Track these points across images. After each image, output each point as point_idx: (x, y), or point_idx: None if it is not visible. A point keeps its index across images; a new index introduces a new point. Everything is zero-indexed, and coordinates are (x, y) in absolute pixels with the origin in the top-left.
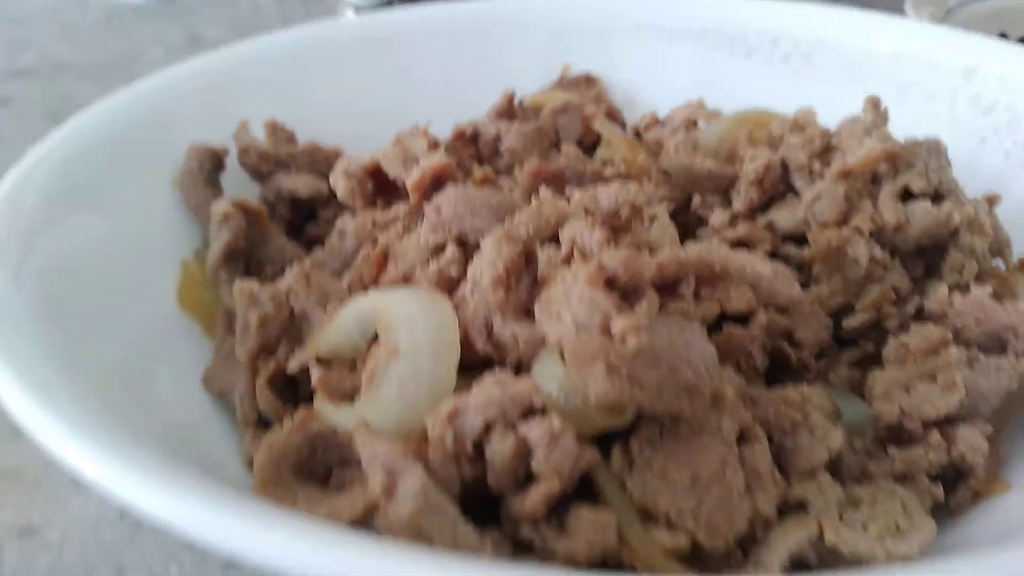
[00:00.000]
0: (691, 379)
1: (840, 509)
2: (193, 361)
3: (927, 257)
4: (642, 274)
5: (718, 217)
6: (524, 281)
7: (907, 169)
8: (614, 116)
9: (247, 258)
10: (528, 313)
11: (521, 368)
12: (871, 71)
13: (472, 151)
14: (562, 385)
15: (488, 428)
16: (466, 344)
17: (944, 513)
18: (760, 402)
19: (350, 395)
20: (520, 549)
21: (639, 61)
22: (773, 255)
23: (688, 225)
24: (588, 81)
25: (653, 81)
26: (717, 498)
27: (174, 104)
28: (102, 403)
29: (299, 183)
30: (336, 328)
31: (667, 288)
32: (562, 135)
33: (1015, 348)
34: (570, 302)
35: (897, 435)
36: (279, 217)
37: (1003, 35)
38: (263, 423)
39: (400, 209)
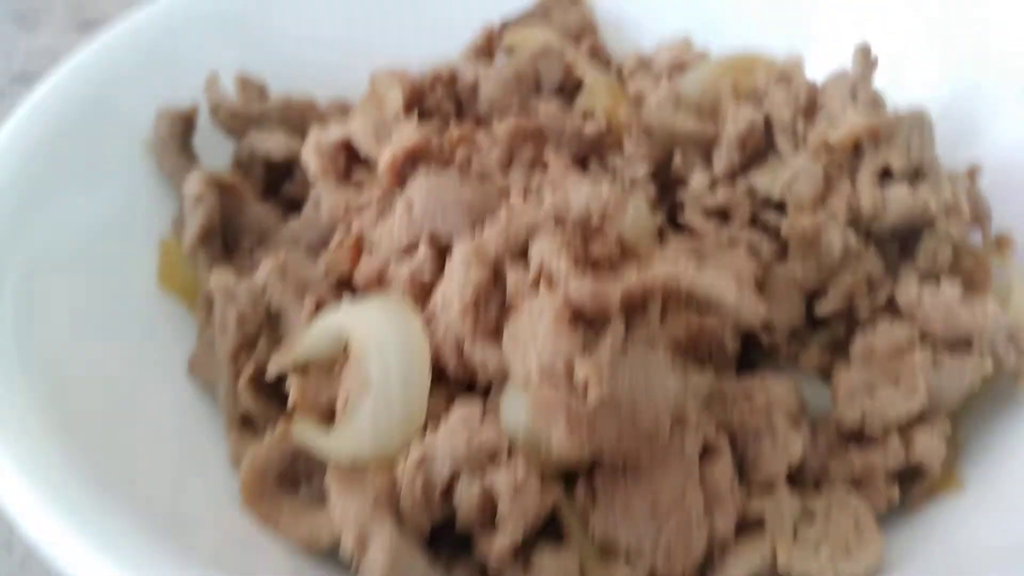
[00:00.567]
0: (651, 425)
1: (795, 524)
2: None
3: (902, 241)
4: (608, 305)
5: (698, 180)
6: (493, 302)
7: (888, 145)
8: (597, 52)
9: (224, 230)
10: (498, 335)
11: (491, 391)
12: None
13: (450, 92)
14: (527, 427)
15: (455, 475)
16: (438, 363)
17: (900, 508)
18: (727, 397)
19: (328, 411)
20: None
21: None
22: (752, 222)
23: (668, 184)
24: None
25: None
26: (676, 525)
27: (132, 59)
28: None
29: (272, 144)
30: (309, 342)
31: (635, 308)
32: (543, 80)
33: (980, 348)
34: (536, 338)
35: (858, 436)
36: (255, 177)
37: None
38: (248, 422)
39: (374, 191)
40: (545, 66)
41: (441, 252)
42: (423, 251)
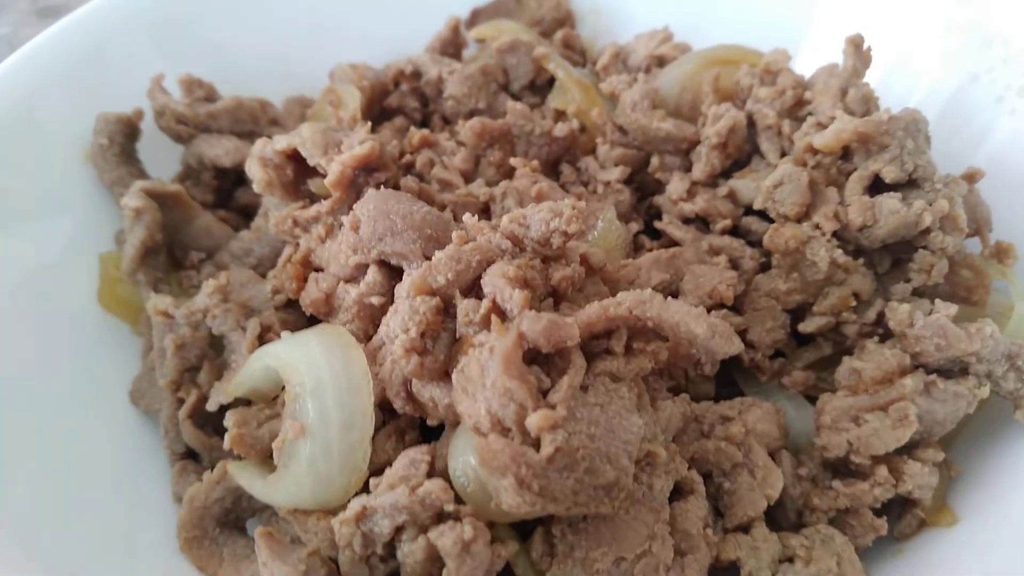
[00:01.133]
0: (611, 479)
1: (773, 567)
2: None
3: (894, 255)
4: (566, 341)
5: (676, 186)
6: (442, 340)
7: (880, 153)
8: (572, 44)
9: (170, 244)
10: (447, 374)
11: (444, 429)
12: None
13: (414, 88)
14: (477, 478)
15: (398, 531)
16: (385, 400)
17: (888, 540)
18: (704, 424)
19: (266, 450)
20: None
21: None
22: (734, 231)
23: (646, 187)
24: None
25: None
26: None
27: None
28: None
29: (221, 150)
30: (247, 376)
31: (598, 340)
32: (511, 76)
33: (976, 372)
34: (485, 383)
35: (843, 467)
36: (205, 185)
37: None
38: (190, 454)
39: (323, 205)
40: (513, 61)
41: (391, 274)
42: (372, 275)
